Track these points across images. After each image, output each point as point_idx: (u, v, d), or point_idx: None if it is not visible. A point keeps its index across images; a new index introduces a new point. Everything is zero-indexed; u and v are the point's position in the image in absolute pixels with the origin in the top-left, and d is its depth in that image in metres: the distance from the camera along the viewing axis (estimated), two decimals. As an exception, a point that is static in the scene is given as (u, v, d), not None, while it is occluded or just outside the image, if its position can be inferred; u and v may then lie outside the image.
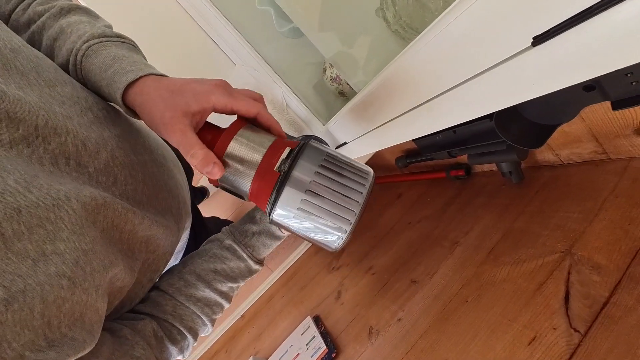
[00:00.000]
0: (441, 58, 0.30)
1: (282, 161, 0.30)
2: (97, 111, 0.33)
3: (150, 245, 0.35)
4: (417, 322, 0.65)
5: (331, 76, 0.72)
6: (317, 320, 0.89)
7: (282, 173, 0.29)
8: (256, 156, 0.30)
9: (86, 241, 0.23)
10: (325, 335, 0.81)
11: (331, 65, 0.71)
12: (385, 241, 0.99)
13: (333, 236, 0.29)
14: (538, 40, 0.22)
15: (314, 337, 0.81)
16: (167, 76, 0.34)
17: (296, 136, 0.71)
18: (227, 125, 0.33)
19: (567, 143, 0.66)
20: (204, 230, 0.71)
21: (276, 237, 0.44)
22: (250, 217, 0.45)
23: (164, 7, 0.74)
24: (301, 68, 0.76)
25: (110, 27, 0.38)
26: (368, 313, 0.78)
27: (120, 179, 0.31)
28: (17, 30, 0.36)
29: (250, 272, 0.44)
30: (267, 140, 0.32)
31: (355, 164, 0.31)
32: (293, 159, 0.29)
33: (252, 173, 0.30)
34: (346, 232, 0.29)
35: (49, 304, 0.19)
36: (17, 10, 0.35)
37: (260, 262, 0.44)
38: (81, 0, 0.74)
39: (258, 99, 0.35)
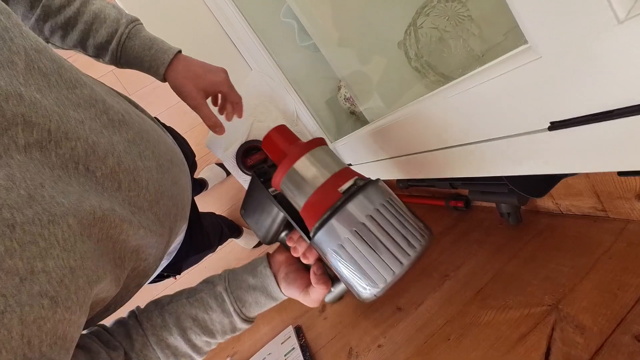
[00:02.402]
0: (460, 114, 0.31)
1: (347, 187, 0.29)
2: (113, 114, 0.33)
3: (142, 253, 0.35)
4: (397, 351, 0.65)
5: (345, 95, 0.72)
6: (299, 332, 0.89)
7: (343, 196, 0.28)
8: (325, 172, 0.31)
9: (76, 258, 0.24)
10: (305, 348, 0.81)
11: (347, 85, 0.71)
12: (376, 261, 0.99)
13: (364, 287, 0.27)
14: (555, 126, 0.23)
15: (293, 348, 0.82)
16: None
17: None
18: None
19: (568, 194, 0.66)
20: (199, 230, 0.71)
21: (272, 297, 0.40)
22: (251, 267, 0.42)
23: (191, 5, 0.75)
24: (316, 81, 0.76)
25: (122, 9, 0.47)
26: (350, 333, 0.79)
27: (124, 185, 0.32)
28: (49, 14, 0.41)
29: (234, 330, 0.40)
30: (337, 166, 0.32)
31: (415, 220, 0.29)
32: (354, 191, 0.28)
33: (317, 185, 0.30)
34: (379, 288, 0.27)
35: (28, 324, 0.19)
36: None
37: (248, 321, 0.41)
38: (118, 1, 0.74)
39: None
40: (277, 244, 0.45)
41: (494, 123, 0.28)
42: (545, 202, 0.72)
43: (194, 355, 0.38)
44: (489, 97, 0.26)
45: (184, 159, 0.54)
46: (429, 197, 1.09)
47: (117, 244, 0.30)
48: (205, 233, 0.76)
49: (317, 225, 0.29)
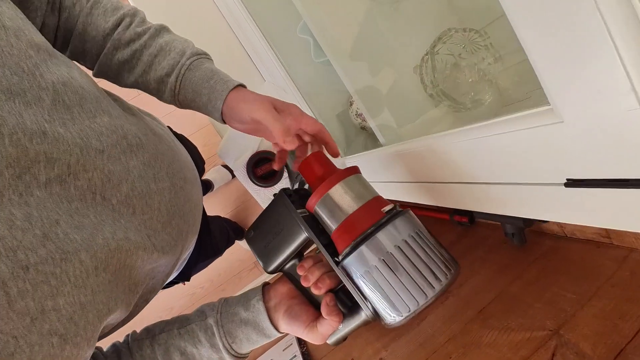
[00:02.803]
0: (478, 155, 0.32)
1: (389, 209, 0.30)
2: (131, 138, 0.34)
3: (153, 273, 0.36)
4: (398, 366, 0.67)
5: (357, 111, 0.73)
6: (301, 339, 0.91)
7: (385, 215, 0.30)
8: (366, 195, 0.32)
9: (86, 293, 0.24)
10: (306, 356, 0.82)
11: (359, 101, 0.72)
12: (379, 271, 1.00)
13: (388, 313, 0.28)
14: (571, 183, 0.24)
15: (295, 356, 0.83)
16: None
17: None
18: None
19: (573, 219, 0.67)
20: (208, 237, 0.72)
21: (264, 334, 0.38)
22: (245, 299, 0.40)
23: (207, 14, 0.76)
24: (328, 95, 0.77)
25: (192, 43, 0.45)
26: (352, 343, 0.80)
27: (138, 209, 0.33)
28: (118, 47, 0.42)
29: None
30: (373, 192, 0.33)
31: (443, 252, 0.30)
32: (394, 214, 0.30)
33: (356, 208, 0.31)
34: (402, 316, 0.27)
35: None
36: (118, 30, 0.41)
37: (238, 357, 0.38)
38: (131, 1, 0.75)
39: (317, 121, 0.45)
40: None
41: (511, 169, 0.29)
42: (550, 225, 0.73)
43: None
44: (508, 146, 0.27)
45: (197, 173, 0.54)
46: (433, 210, 1.10)
47: (133, 270, 0.31)
48: (214, 240, 0.77)
49: (352, 244, 0.29)
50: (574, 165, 0.23)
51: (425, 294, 0.27)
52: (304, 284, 0.36)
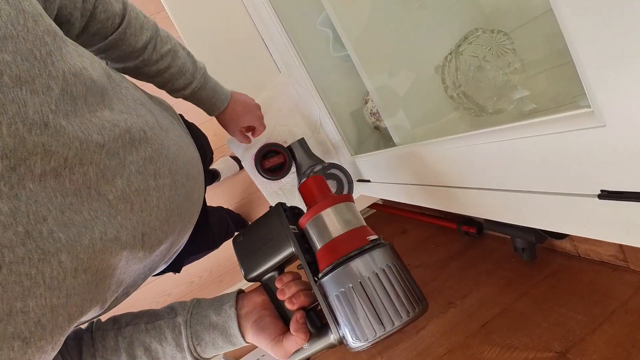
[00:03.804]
0: (503, 160, 0.30)
1: (373, 238, 0.32)
2: (135, 132, 0.33)
3: (138, 271, 0.35)
4: (393, 374, 0.65)
5: (372, 110, 0.71)
6: (295, 337, 0.89)
7: (369, 243, 0.32)
8: (354, 222, 0.35)
9: (60, 295, 0.24)
10: (299, 355, 0.81)
11: (374, 99, 0.70)
12: (380, 276, 0.98)
13: (352, 337, 0.29)
14: (606, 195, 0.22)
15: (287, 354, 0.81)
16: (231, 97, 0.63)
17: (325, 161, 0.71)
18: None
19: (588, 239, 0.65)
20: (206, 231, 0.70)
21: (230, 342, 0.38)
22: (218, 303, 0.40)
23: (229, 3, 0.75)
24: (343, 92, 0.75)
25: (193, 56, 0.55)
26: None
27: (136, 206, 0.32)
28: (147, 64, 0.49)
29: None
30: (361, 220, 0.36)
31: (414, 288, 0.30)
32: (378, 244, 0.32)
33: (340, 232, 0.33)
34: (362, 343, 0.28)
35: None
36: (147, 50, 0.48)
37: None
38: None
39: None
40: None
41: (537, 177, 0.27)
42: (563, 243, 0.70)
43: None
44: (539, 151, 0.26)
45: (202, 168, 0.53)
46: (440, 218, 1.08)
47: (116, 269, 0.30)
48: (211, 233, 0.76)
49: (334, 264, 0.31)
50: (611, 176, 0.21)
51: (384, 327, 0.27)
52: (280, 296, 0.37)
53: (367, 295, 0.28)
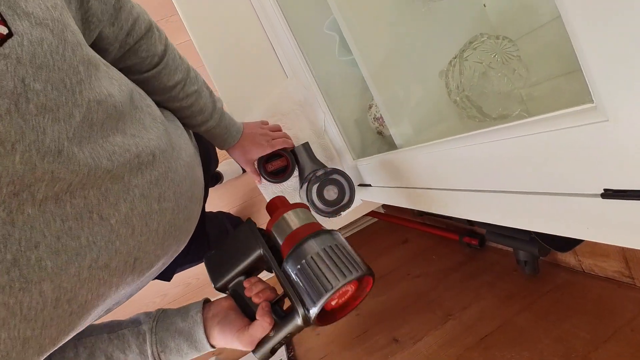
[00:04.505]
0: (502, 160, 0.29)
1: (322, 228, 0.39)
2: (145, 156, 0.33)
3: (123, 293, 0.34)
4: (388, 385, 0.63)
5: (375, 115, 0.71)
6: (289, 343, 0.87)
7: (319, 229, 0.39)
8: (306, 220, 0.42)
9: (35, 327, 0.23)
10: (293, 362, 0.79)
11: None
12: (379, 285, 0.97)
13: (309, 304, 0.34)
14: (609, 194, 0.21)
15: (281, 359, 0.80)
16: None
17: (327, 165, 0.71)
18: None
19: (594, 254, 0.63)
20: (202, 241, 0.69)
21: (195, 348, 0.38)
22: (185, 310, 0.40)
23: (238, 6, 0.76)
24: (348, 98, 0.75)
25: (214, 95, 0.58)
26: (341, 355, 0.77)
27: (137, 230, 0.31)
28: (173, 100, 0.49)
29: None
30: (311, 220, 0.43)
31: (356, 258, 0.36)
32: (320, 232, 0.38)
33: (297, 226, 0.41)
34: (317, 307, 0.33)
35: None
36: (177, 89, 0.48)
37: None
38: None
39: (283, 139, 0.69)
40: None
41: (538, 177, 0.26)
42: (567, 257, 0.69)
43: None
44: (539, 150, 0.25)
45: (203, 187, 0.53)
46: (442, 229, 1.06)
47: (103, 297, 0.29)
48: (207, 243, 0.74)
49: (293, 248, 0.37)
50: (614, 173, 0.21)
51: (332, 286, 0.33)
52: (247, 293, 0.40)
53: (319, 266, 0.34)
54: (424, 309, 0.77)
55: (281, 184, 0.76)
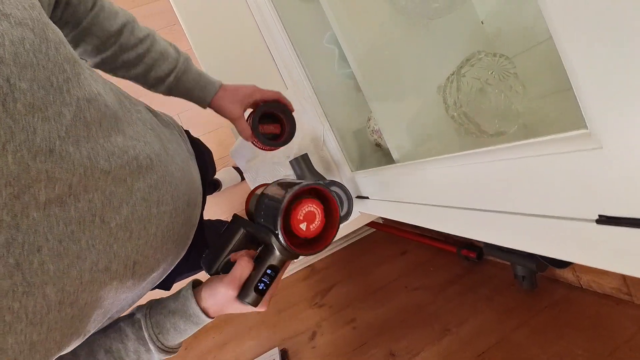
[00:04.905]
0: (499, 180, 0.29)
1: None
2: (142, 159, 0.33)
3: (126, 300, 0.35)
4: (383, 401, 0.62)
5: (373, 127, 0.71)
6: (284, 356, 0.86)
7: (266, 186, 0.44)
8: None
9: (41, 331, 0.23)
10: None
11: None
12: (377, 297, 0.96)
13: (271, 236, 0.37)
14: (603, 220, 0.21)
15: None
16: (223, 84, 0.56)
17: (326, 177, 0.71)
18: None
19: (591, 269, 0.63)
20: (202, 249, 0.69)
21: (192, 321, 0.38)
22: (176, 293, 0.40)
23: (239, 16, 0.77)
24: (347, 111, 0.76)
25: (175, 45, 0.53)
26: (337, 369, 0.76)
27: (135, 234, 0.31)
28: (125, 49, 0.47)
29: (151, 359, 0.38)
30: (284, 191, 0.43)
31: (297, 183, 0.39)
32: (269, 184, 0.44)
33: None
34: (275, 236, 0.36)
35: None
36: (124, 34, 0.46)
37: (167, 350, 0.38)
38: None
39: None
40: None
41: (534, 199, 0.26)
42: (565, 272, 0.68)
43: None
44: (534, 172, 0.25)
45: (201, 191, 0.53)
46: (440, 241, 1.06)
47: (105, 300, 0.29)
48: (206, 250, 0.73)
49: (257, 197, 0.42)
50: (609, 200, 0.21)
51: (282, 201, 0.36)
52: (232, 258, 0.41)
53: (271, 195, 0.39)
54: (422, 323, 0.77)
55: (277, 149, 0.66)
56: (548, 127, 0.46)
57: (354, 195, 0.71)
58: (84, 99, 0.27)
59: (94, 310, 0.28)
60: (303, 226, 0.37)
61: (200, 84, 0.53)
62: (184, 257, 0.51)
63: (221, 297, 0.38)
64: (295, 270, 1.44)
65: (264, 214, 0.39)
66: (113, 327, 0.37)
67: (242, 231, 0.43)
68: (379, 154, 0.74)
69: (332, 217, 0.39)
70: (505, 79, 0.49)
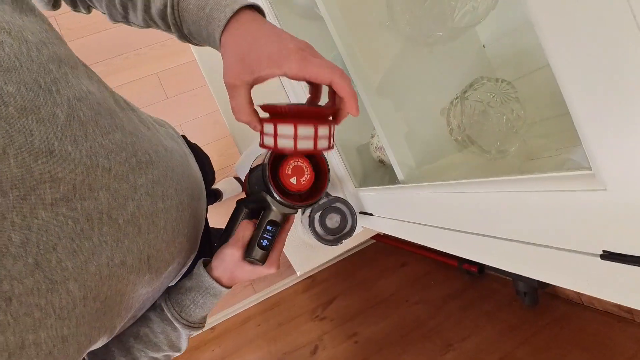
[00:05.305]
0: (504, 210, 0.30)
1: None
2: (141, 155, 0.34)
3: (147, 295, 0.35)
4: (387, 420, 0.62)
5: (377, 144, 0.72)
6: (286, 371, 0.86)
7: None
8: None
9: (70, 325, 0.24)
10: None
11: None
12: (378, 310, 0.96)
13: (265, 193, 0.41)
14: (608, 256, 0.22)
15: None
16: (258, 11, 0.35)
17: (330, 193, 0.72)
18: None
19: (592, 287, 0.63)
20: (209, 252, 0.70)
21: (209, 294, 0.40)
22: (190, 273, 0.42)
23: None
24: (351, 127, 0.77)
25: None
26: (339, 385, 0.75)
27: (144, 229, 0.32)
28: None
29: (179, 337, 0.39)
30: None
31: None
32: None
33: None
34: (268, 192, 0.40)
35: None
36: None
37: (192, 326, 0.40)
38: None
39: (334, 67, 0.32)
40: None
41: (539, 230, 0.27)
42: (566, 289, 0.69)
43: None
44: (539, 205, 0.26)
45: (204, 187, 0.54)
46: (441, 254, 1.06)
47: (124, 295, 0.30)
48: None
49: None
50: (613, 238, 0.22)
51: (265, 159, 0.41)
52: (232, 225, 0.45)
53: (258, 162, 0.42)
54: (424, 338, 0.77)
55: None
56: (548, 149, 0.47)
57: (357, 211, 0.71)
58: (75, 98, 0.27)
59: (117, 304, 0.29)
60: (293, 180, 0.39)
61: (205, 11, 0.34)
62: (192, 263, 0.52)
63: (229, 259, 0.40)
64: (295, 282, 1.44)
65: (256, 182, 0.41)
66: (138, 318, 0.38)
67: (244, 210, 0.46)
68: (382, 171, 0.75)
69: (321, 168, 0.43)
70: (507, 102, 0.50)
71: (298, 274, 0.77)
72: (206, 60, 0.94)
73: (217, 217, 1.57)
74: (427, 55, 0.56)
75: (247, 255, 0.40)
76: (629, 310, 0.59)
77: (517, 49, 0.54)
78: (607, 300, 0.24)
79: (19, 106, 0.23)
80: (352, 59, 0.56)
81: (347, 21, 0.55)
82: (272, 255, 0.41)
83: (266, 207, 0.41)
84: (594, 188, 0.21)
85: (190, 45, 0.81)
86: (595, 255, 0.23)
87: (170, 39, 1.58)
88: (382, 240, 1.43)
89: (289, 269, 1.57)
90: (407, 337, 0.81)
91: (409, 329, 0.82)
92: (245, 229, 0.41)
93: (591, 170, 0.21)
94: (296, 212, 0.44)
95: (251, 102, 0.34)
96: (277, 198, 0.39)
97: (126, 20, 0.41)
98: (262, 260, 0.40)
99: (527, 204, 0.27)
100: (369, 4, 0.55)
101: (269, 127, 0.34)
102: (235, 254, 0.40)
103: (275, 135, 0.34)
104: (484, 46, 0.57)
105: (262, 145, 0.36)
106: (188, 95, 1.55)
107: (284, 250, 0.66)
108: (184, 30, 0.37)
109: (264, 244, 0.40)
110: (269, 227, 0.41)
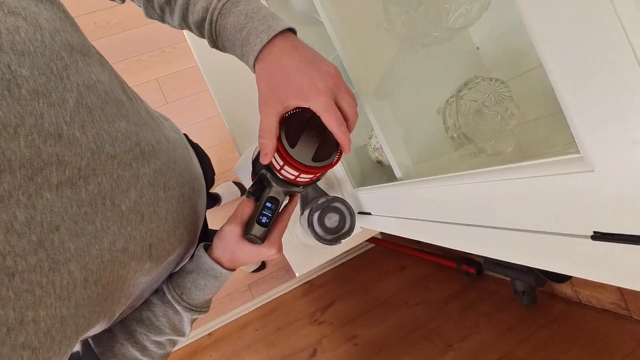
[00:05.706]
0: (497, 198, 0.31)
1: None
2: (145, 145, 0.34)
3: (146, 284, 0.36)
4: (387, 420, 0.61)
5: (375, 145, 0.74)
6: None
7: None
8: None
9: (70, 306, 0.24)
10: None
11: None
12: (377, 313, 0.96)
13: (264, 171, 0.40)
14: (598, 237, 0.23)
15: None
16: (293, 35, 0.36)
17: (328, 193, 0.73)
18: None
19: (589, 285, 0.64)
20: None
21: (209, 275, 0.39)
22: (191, 257, 0.42)
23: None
24: (349, 127, 0.78)
25: None
26: (338, 387, 0.75)
27: (146, 217, 0.32)
28: None
29: (181, 321, 0.39)
30: None
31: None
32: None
33: None
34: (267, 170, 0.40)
35: None
36: None
37: (193, 309, 0.39)
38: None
39: (340, 122, 0.36)
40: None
41: (532, 216, 0.28)
42: (564, 288, 0.69)
43: (143, 359, 0.37)
44: (531, 192, 0.27)
45: (204, 183, 0.55)
46: (440, 256, 1.07)
47: (125, 282, 0.30)
48: None
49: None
50: (603, 218, 0.22)
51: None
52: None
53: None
54: (424, 339, 0.77)
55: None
56: (542, 147, 0.48)
57: (356, 211, 0.72)
58: (84, 85, 0.28)
59: (118, 290, 0.29)
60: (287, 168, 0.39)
61: (242, 33, 0.34)
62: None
63: (228, 237, 0.40)
64: (293, 287, 1.43)
65: (260, 167, 0.40)
66: (142, 303, 0.38)
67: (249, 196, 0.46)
68: (380, 171, 0.76)
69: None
70: (501, 101, 0.51)
71: (297, 274, 0.77)
72: (207, 65, 0.95)
73: (215, 221, 1.57)
74: (423, 56, 0.58)
75: (247, 232, 0.39)
76: (626, 307, 0.59)
77: (510, 50, 0.56)
78: (598, 281, 0.24)
79: (32, 89, 0.24)
80: (351, 62, 0.57)
81: (345, 24, 0.57)
82: (273, 235, 0.41)
83: (267, 185, 0.41)
84: (583, 170, 0.22)
85: (193, 52, 0.82)
86: (586, 236, 0.24)
87: (170, 46, 1.60)
88: (381, 244, 1.43)
89: (288, 273, 1.57)
90: (407, 338, 0.81)
91: (408, 331, 0.82)
92: (244, 206, 0.41)
93: (580, 153, 0.22)
94: (297, 191, 0.43)
95: (277, 129, 0.36)
96: (276, 174, 0.38)
97: (162, 20, 0.43)
98: (262, 238, 0.39)
99: (519, 191, 0.28)
100: (366, 7, 0.57)
101: (278, 161, 0.37)
102: (235, 230, 0.40)
103: (281, 169, 0.38)
104: (477, 48, 0.59)
105: (264, 162, 0.39)
106: (188, 101, 1.57)
107: (284, 251, 0.67)
108: (218, 44, 0.39)
109: (264, 220, 0.39)
110: (268, 204, 0.40)
